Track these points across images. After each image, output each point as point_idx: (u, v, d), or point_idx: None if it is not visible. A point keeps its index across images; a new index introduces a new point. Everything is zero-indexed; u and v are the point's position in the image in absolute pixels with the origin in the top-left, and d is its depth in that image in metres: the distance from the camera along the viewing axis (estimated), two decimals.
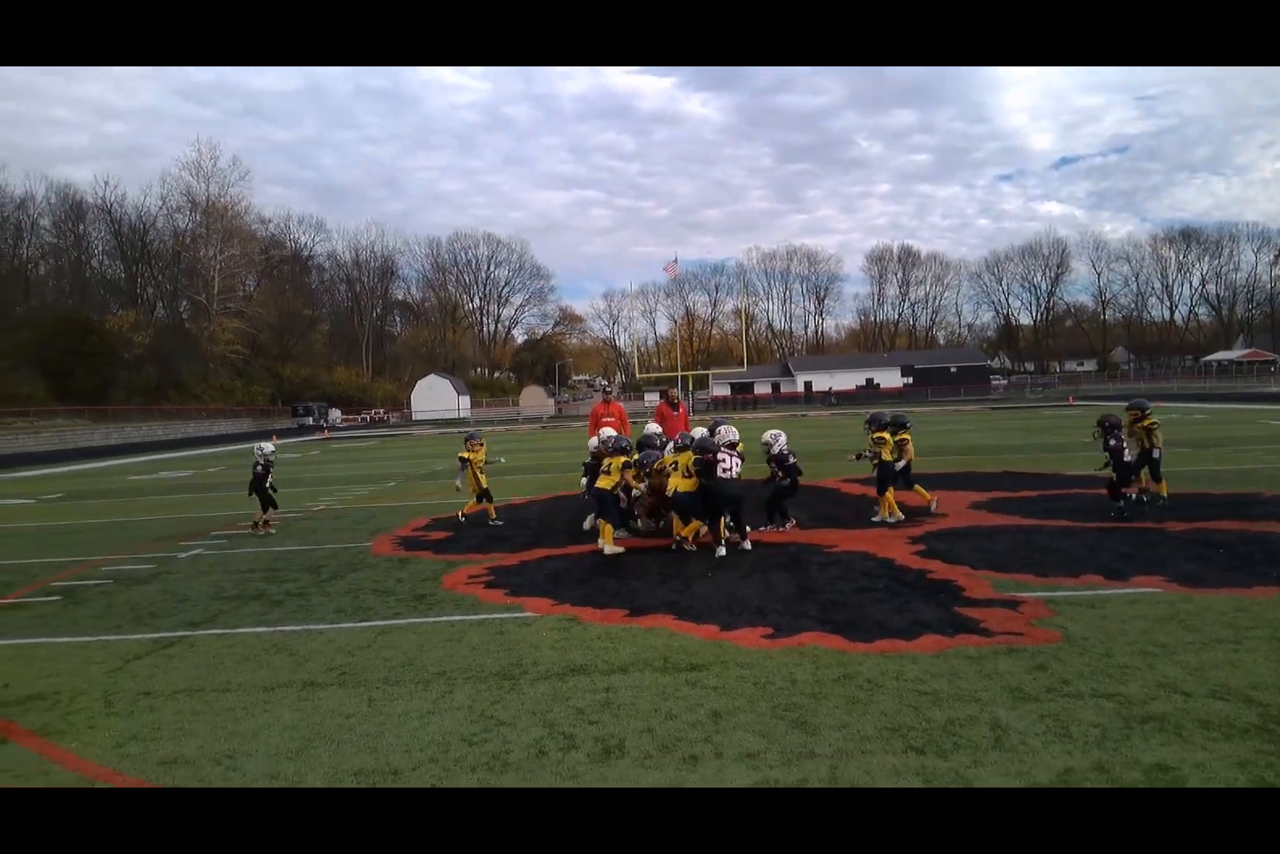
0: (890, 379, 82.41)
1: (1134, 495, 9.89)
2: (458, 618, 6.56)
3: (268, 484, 11.55)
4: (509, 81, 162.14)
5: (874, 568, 7.62)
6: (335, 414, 78.56)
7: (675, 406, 12.73)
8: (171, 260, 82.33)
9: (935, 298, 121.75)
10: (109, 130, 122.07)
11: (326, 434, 57.79)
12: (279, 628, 6.53)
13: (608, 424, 11.48)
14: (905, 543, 8.73)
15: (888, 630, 5.70)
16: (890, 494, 10.03)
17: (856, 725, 4.17)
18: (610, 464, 9.10)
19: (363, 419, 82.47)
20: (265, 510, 11.63)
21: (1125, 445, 9.44)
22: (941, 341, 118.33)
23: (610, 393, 14.86)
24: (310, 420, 72.48)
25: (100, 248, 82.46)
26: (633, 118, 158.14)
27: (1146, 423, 10.25)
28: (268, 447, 11.85)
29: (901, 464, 10.04)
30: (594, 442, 10.17)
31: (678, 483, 8.61)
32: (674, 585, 7.32)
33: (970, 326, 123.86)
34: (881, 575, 7.31)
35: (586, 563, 8.49)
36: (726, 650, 5.43)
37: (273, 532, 11.43)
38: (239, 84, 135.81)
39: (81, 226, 79.66)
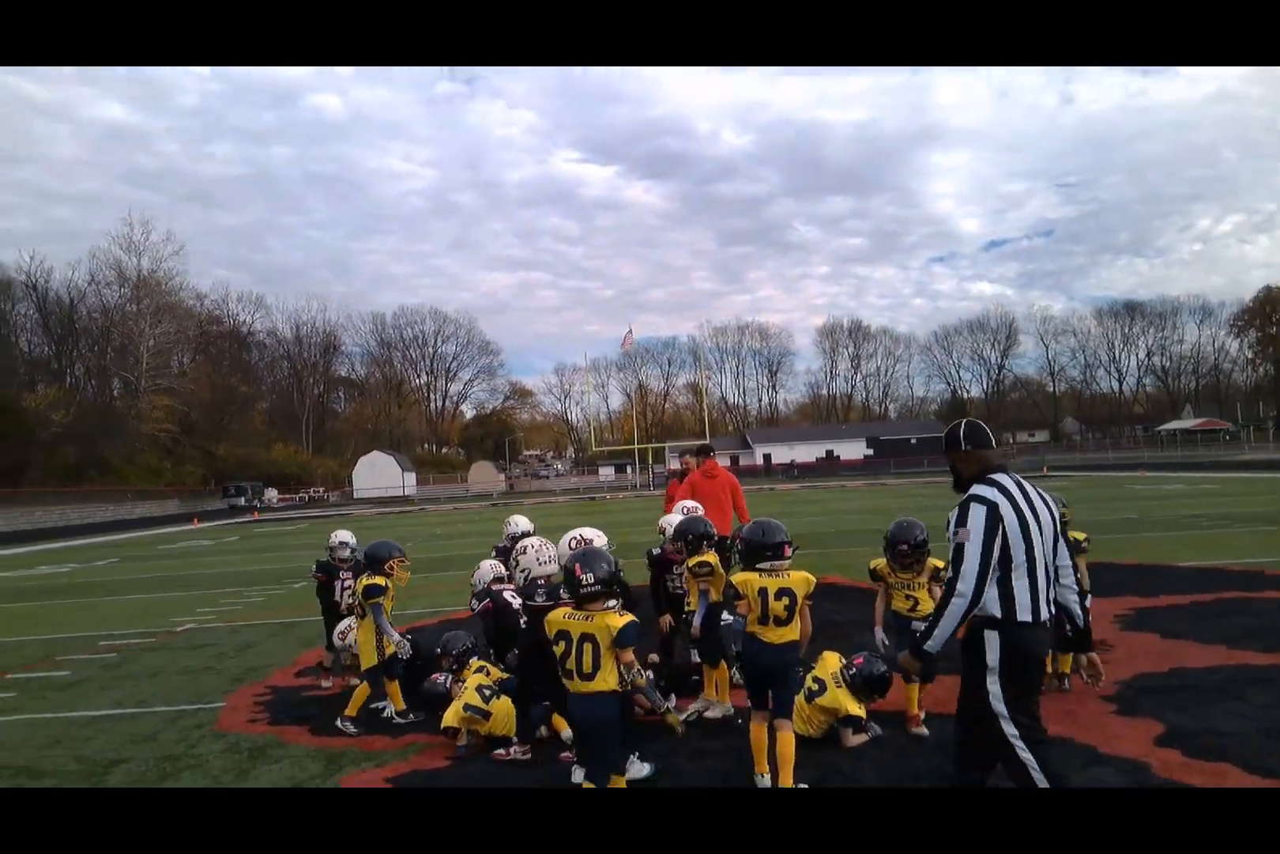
0: (850, 451, 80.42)
1: None
2: None
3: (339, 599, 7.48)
4: (455, 171, 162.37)
5: (1122, 783, 4.42)
6: (271, 494, 74.07)
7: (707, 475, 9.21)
8: (100, 337, 78.45)
9: (886, 371, 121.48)
10: (54, 215, 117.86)
11: (256, 515, 53.60)
12: None
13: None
14: (1113, 714, 5.46)
15: None
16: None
17: None
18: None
19: (300, 498, 77.91)
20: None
21: None
22: (893, 414, 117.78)
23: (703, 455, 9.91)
24: (242, 501, 67.98)
25: (28, 325, 78.40)
26: (576, 204, 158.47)
27: None
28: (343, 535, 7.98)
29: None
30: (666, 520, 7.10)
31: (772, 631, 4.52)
32: None
33: (922, 399, 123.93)
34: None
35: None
36: None
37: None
38: (187, 171, 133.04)
39: (8, 303, 75.67)
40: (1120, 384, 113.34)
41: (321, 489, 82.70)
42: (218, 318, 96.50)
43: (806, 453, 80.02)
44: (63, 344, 78.58)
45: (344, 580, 7.49)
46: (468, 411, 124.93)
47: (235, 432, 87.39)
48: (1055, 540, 3.64)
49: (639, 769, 4.80)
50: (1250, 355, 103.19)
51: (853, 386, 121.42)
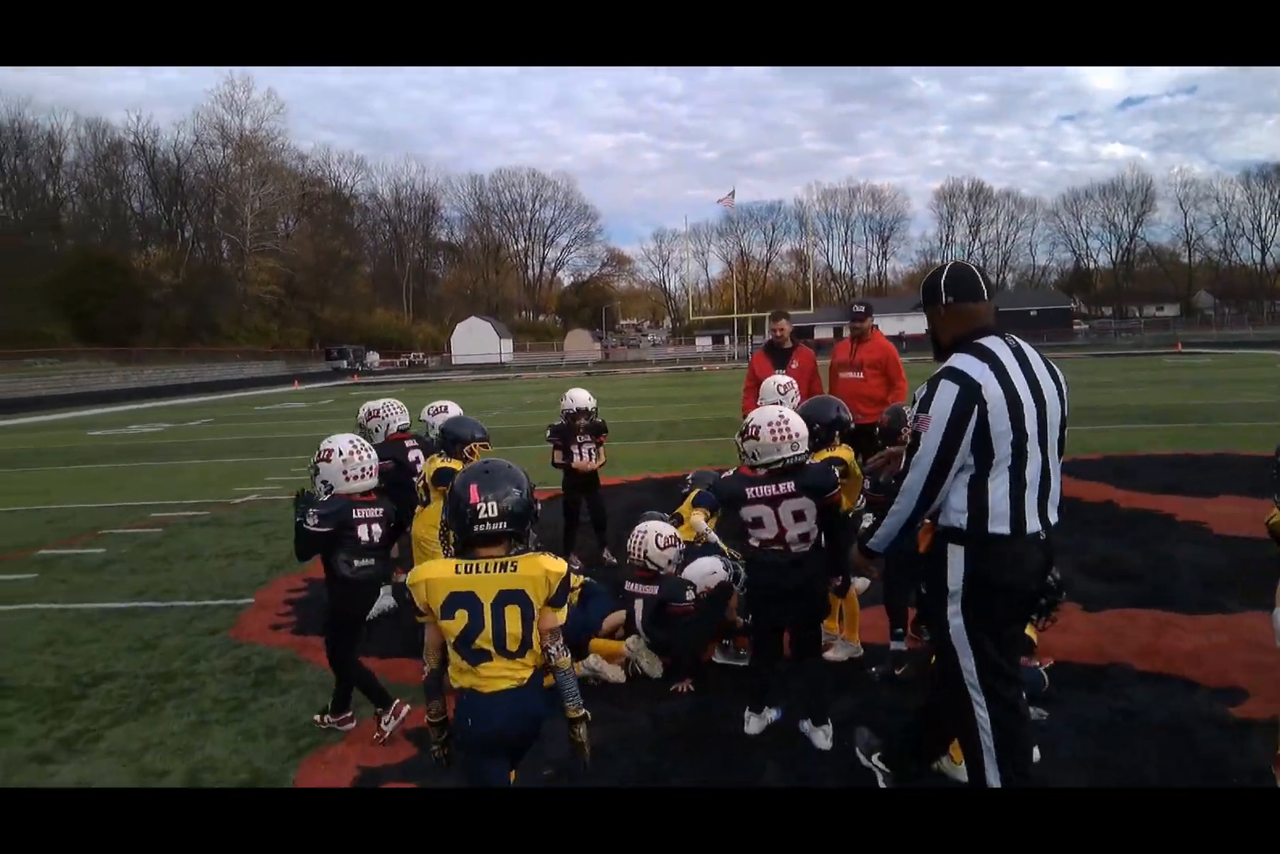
0: None
1: None
2: None
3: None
4: None
5: None
6: (373, 357, 75.19)
7: (785, 355, 7.27)
8: (207, 198, 79.24)
9: (1007, 238, 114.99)
10: (163, 79, 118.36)
11: (356, 378, 54.18)
12: None
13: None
14: None
15: None
16: None
17: None
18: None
19: (401, 363, 78.86)
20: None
21: None
22: (1011, 285, 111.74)
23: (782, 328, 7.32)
24: (345, 364, 68.98)
25: (140, 187, 79.81)
26: None
27: None
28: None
29: None
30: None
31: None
32: None
33: (1044, 269, 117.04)
34: None
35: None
36: None
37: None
38: None
39: (119, 165, 76.80)
40: (1264, 255, 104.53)
41: (421, 354, 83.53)
42: (320, 179, 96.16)
43: (916, 325, 76.10)
44: (172, 205, 79.79)
45: (581, 444, 6.83)
46: (565, 279, 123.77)
47: (338, 295, 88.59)
48: (1062, 430, 2.84)
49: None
50: None
51: (969, 254, 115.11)
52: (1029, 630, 3.67)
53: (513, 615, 2.62)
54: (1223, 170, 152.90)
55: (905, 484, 2.80)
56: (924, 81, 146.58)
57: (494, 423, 21.22)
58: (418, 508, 5.12)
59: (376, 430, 5.92)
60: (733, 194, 56.67)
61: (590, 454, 6.81)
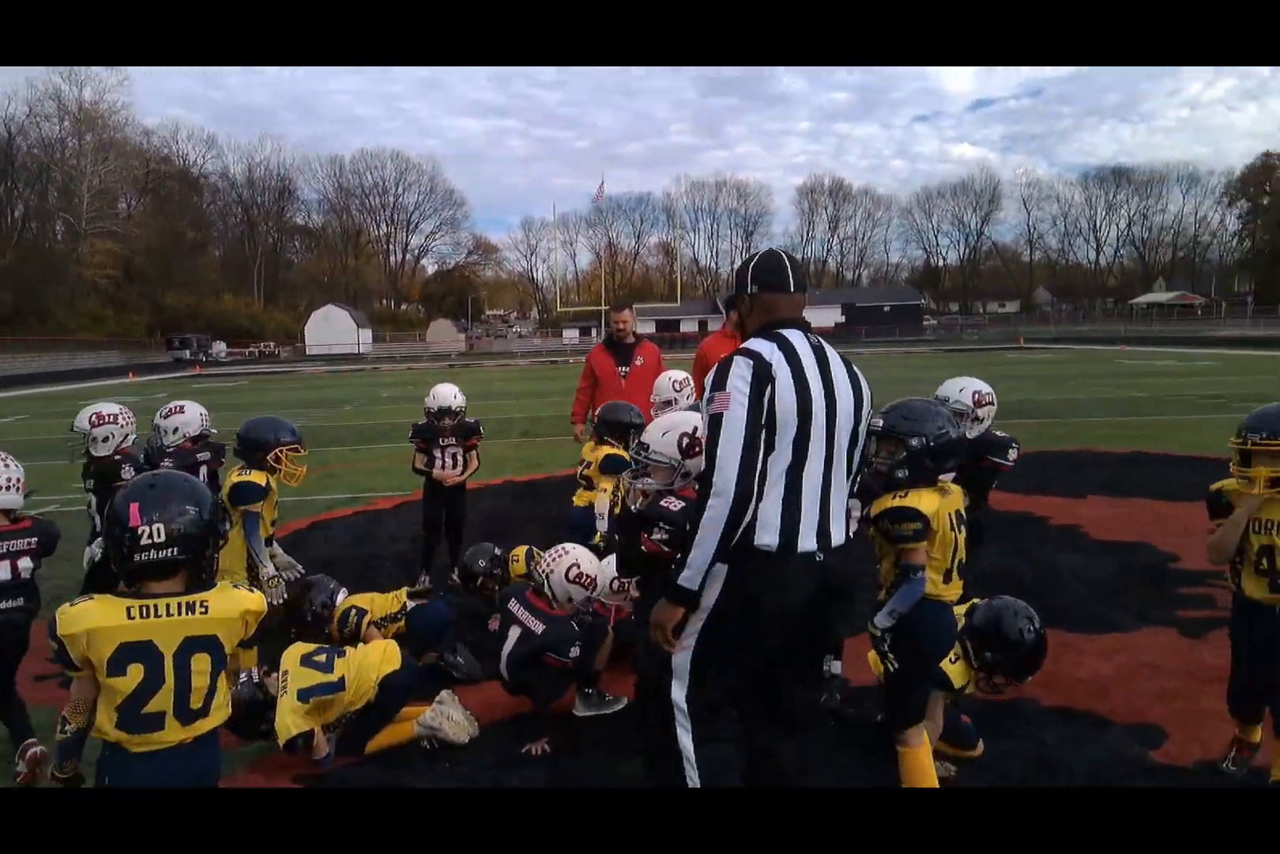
0: (823, 318, 77.98)
1: None
2: None
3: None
4: None
5: None
6: (219, 347, 71.06)
7: (628, 351, 6.79)
8: (40, 175, 73.27)
9: (864, 235, 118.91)
10: None
11: (198, 370, 50.99)
12: None
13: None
14: None
15: None
16: None
17: None
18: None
19: (250, 353, 74.89)
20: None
21: None
22: (865, 281, 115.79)
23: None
24: (188, 354, 64.99)
25: None
26: None
27: None
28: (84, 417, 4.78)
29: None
30: None
31: None
32: None
33: (896, 266, 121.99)
34: None
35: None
36: None
37: None
38: None
39: None
40: (1098, 254, 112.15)
41: (272, 344, 79.56)
42: (166, 157, 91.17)
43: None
44: (1, 183, 73.51)
45: (445, 447, 5.95)
46: (429, 267, 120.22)
47: (183, 280, 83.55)
48: (853, 442, 2.55)
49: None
50: (1240, 224, 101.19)
51: (828, 251, 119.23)
52: (956, 671, 3.21)
53: (200, 666, 2.20)
54: (1063, 172, 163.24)
55: (714, 483, 2.33)
56: (789, 77, 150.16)
57: (348, 419, 20.13)
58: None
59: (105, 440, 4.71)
60: (602, 184, 56.23)
61: (456, 460, 6.05)
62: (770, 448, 2.37)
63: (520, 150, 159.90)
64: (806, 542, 2.40)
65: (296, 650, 3.75)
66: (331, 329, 79.10)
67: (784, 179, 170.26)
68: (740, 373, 2.38)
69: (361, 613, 4.38)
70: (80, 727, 2.25)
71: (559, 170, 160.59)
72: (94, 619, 2.12)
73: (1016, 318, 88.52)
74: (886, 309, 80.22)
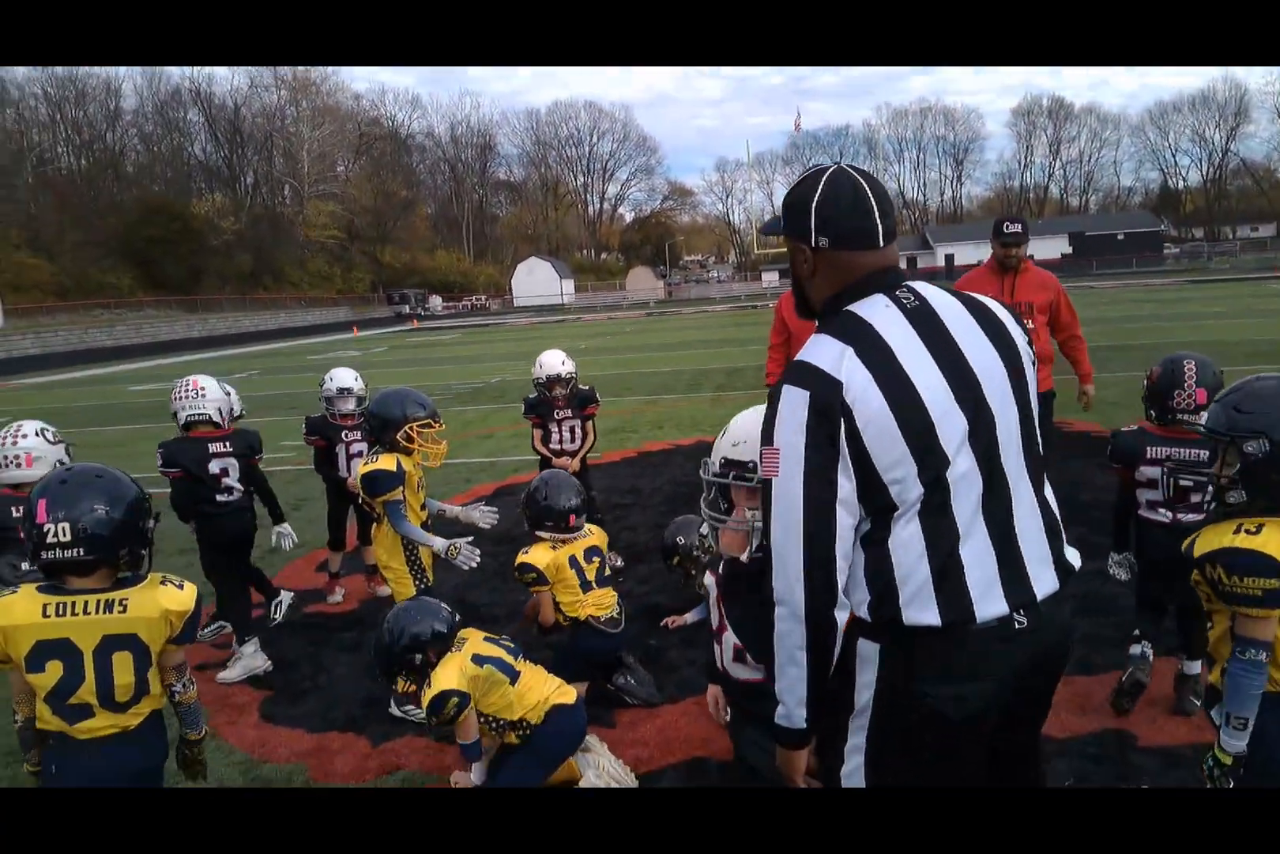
0: (1047, 249, 71.82)
1: None
2: None
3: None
4: None
5: None
6: (435, 301, 74.97)
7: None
8: (265, 142, 79.26)
9: (1090, 157, 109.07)
10: None
11: (415, 324, 53.55)
12: None
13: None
14: None
15: None
16: None
17: None
18: None
19: (464, 306, 78.29)
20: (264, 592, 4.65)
21: None
22: (1094, 208, 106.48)
23: None
24: (407, 308, 68.73)
25: (200, 133, 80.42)
26: None
27: None
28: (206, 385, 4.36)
29: None
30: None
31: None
32: None
33: (1129, 190, 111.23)
34: None
35: None
36: None
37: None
38: None
39: (178, 111, 77.40)
40: None
41: (483, 296, 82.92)
42: (375, 120, 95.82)
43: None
44: (232, 150, 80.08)
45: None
46: (626, 215, 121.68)
47: (399, 237, 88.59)
48: (1028, 426, 1.69)
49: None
50: None
51: (1049, 176, 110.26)
52: None
53: (122, 664, 2.18)
54: None
55: (775, 589, 1.62)
56: None
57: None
58: (373, 527, 3.88)
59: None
60: (799, 117, 53.99)
61: (574, 433, 5.49)
62: (878, 491, 1.60)
63: (711, 91, 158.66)
64: (990, 605, 1.59)
65: (477, 632, 3.26)
66: (536, 280, 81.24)
67: (994, 102, 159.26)
68: (792, 415, 1.59)
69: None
70: (28, 716, 2.27)
71: (752, 109, 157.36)
72: (11, 616, 2.13)
73: (1275, 243, 78.58)
74: (1120, 237, 73.18)
